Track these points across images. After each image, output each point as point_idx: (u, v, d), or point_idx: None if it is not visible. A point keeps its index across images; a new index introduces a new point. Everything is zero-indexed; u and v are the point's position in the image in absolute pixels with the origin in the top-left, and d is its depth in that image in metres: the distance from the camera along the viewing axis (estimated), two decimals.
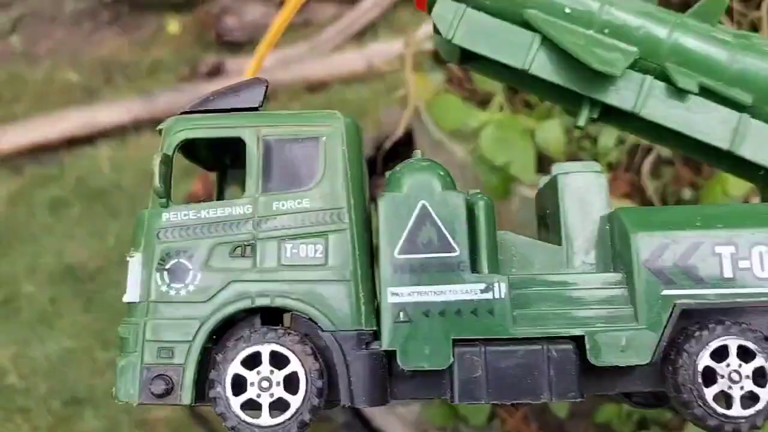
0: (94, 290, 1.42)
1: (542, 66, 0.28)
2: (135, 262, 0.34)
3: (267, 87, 0.34)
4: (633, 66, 0.29)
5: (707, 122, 0.28)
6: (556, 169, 0.34)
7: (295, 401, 0.27)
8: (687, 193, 0.70)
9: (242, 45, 2.56)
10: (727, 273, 0.27)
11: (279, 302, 0.30)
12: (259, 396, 0.27)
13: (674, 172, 0.73)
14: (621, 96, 0.28)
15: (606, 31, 0.28)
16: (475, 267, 0.31)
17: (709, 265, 0.27)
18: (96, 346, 1.29)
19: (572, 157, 0.76)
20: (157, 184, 0.33)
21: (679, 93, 0.29)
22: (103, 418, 1.16)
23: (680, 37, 0.28)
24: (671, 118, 0.28)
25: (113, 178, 1.79)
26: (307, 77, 2.17)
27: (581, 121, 0.30)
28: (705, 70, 0.29)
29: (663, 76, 0.29)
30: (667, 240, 0.27)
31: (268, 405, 0.27)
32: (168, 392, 0.31)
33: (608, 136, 0.74)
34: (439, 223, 0.30)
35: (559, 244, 0.32)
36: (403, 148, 1.21)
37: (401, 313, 0.29)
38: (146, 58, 2.54)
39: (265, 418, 0.27)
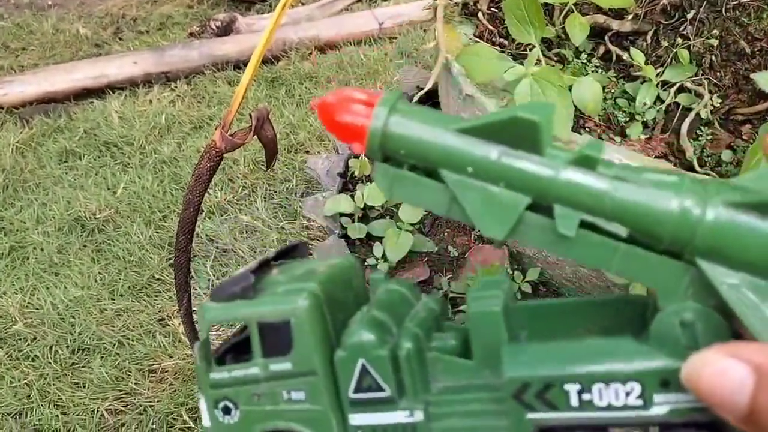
0: (103, 241, 1.41)
1: (458, 214, 0.35)
2: (202, 402, 0.45)
3: (253, 281, 0.43)
4: (529, 208, 0.34)
5: (588, 252, 0.34)
6: None
7: None
8: (727, 155, 0.68)
9: (253, 3, 2.52)
10: (574, 403, 0.35)
11: (285, 426, 0.42)
12: None
13: (713, 134, 0.71)
14: (514, 235, 0.34)
15: (501, 183, 0.33)
16: (402, 395, 0.40)
17: (560, 397, 0.35)
18: (104, 296, 1.28)
19: (607, 117, 0.74)
20: (199, 364, 0.44)
21: None
22: (111, 367, 1.15)
23: (565, 180, 0.33)
24: (560, 251, 0.34)
25: (122, 131, 1.76)
26: (318, 37, 2.14)
27: (497, 245, 0.37)
28: (586, 208, 0.33)
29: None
30: (527, 375, 0.36)
31: None
32: None
33: (645, 94, 0.72)
34: (373, 374, 0.40)
35: None
36: (429, 102, 1.19)
37: (359, 431, 0.40)
38: (155, 14, 2.50)
39: None
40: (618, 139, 0.72)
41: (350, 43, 2.09)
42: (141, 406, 1.09)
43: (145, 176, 1.58)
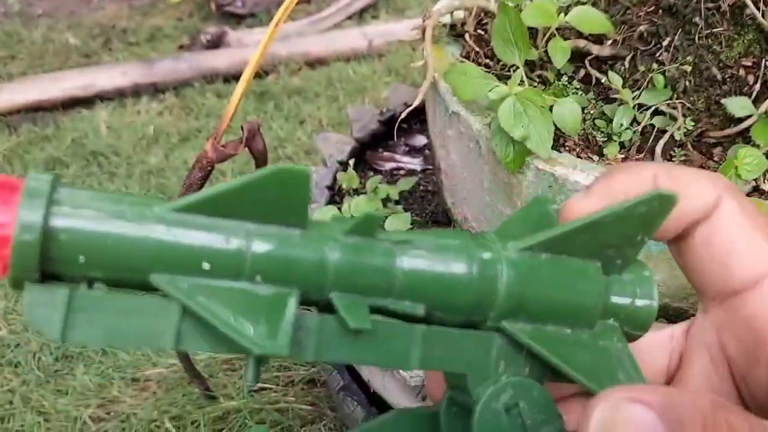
0: None
1: (193, 340, 0.23)
2: None
3: None
4: (302, 301, 0.25)
5: (385, 346, 0.26)
6: None
7: None
8: None
9: (243, 17, 2.55)
10: None
11: None
12: None
13: (685, 155, 0.74)
14: (294, 349, 0.24)
15: (258, 277, 0.23)
16: None
17: None
18: None
19: (586, 137, 0.77)
20: None
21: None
22: (94, 374, 1.16)
23: (340, 260, 0.25)
24: (351, 355, 0.26)
25: (110, 141, 1.77)
26: (307, 53, 2.17)
27: (249, 377, 0.25)
28: (372, 289, 0.25)
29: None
30: None
31: None
32: None
33: (622, 116, 0.75)
34: None
35: None
36: (415, 120, 1.22)
37: None
38: (146, 25, 2.52)
39: None
40: (596, 158, 0.75)
41: (339, 60, 2.13)
42: (124, 413, 1.10)
43: (132, 186, 1.59)
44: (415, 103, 0.79)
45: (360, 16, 2.46)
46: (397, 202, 1.05)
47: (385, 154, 1.19)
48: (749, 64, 0.77)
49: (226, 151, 0.90)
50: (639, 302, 0.30)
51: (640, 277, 0.30)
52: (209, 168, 0.91)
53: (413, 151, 1.21)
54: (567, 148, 0.75)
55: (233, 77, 2.05)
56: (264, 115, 1.84)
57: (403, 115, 0.83)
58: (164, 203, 0.23)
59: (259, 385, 1.08)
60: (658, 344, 0.33)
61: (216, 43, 2.23)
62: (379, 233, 0.26)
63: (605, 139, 0.75)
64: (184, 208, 0.23)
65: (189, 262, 0.22)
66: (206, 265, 0.22)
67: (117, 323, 0.21)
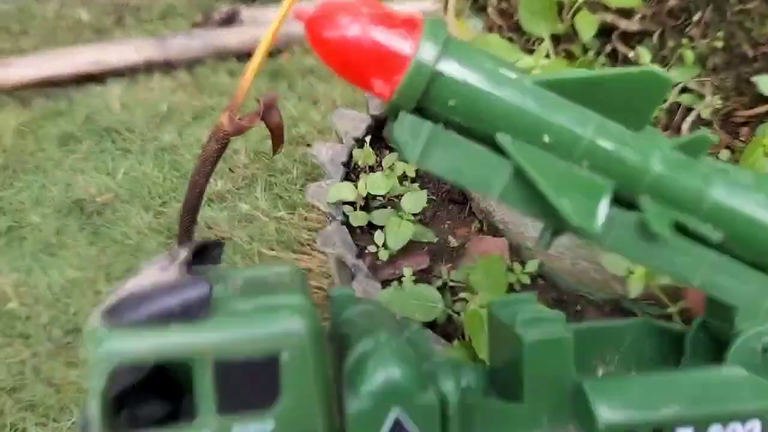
0: (101, 224, 1.41)
1: (514, 197, 0.26)
2: None
3: (211, 290, 0.28)
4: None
5: (674, 258, 0.27)
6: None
7: None
8: (725, 155, 0.70)
9: None
10: None
11: None
12: None
13: (713, 134, 0.73)
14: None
15: (585, 162, 0.25)
16: None
17: None
18: (100, 279, 1.29)
19: None
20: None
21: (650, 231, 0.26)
22: None
23: (662, 171, 0.26)
24: (642, 255, 0.27)
25: (123, 117, 1.77)
26: None
27: (542, 245, 0.28)
28: (680, 205, 0.27)
29: (635, 206, 0.27)
30: (630, 420, 0.27)
31: None
32: None
33: None
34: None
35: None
36: None
37: None
38: (159, 2, 2.50)
39: None
40: None
41: None
42: None
43: (146, 162, 1.58)
44: None
45: None
46: (413, 180, 1.04)
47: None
48: None
49: (242, 123, 0.88)
50: None
51: None
52: (225, 141, 0.90)
53: None
54: None
55: (246, 55, 2.03)
56: (277, 94, 1.83)
57: None
58: (526, 74, 0.25)
59: None
60: None
61: (229, 21, 2.22)
62: (704, 156, 0.27)
63: None
64: (545, 83, 0.25)
65: (533, 130, 0.24)
66: (546, 138, 0.25)
67: (460, 163, 0.25)
